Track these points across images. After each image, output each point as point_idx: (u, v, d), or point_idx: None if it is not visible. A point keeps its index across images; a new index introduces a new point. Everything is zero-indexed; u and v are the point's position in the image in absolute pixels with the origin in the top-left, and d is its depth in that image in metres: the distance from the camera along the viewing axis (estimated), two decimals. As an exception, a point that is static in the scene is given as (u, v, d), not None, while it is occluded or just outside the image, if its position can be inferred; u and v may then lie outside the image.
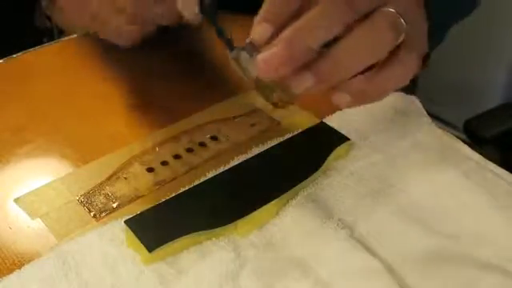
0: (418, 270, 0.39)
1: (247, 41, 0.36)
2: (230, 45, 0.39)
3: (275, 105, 0.39)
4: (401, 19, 0.35)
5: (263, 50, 0.34)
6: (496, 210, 0.43)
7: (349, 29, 0.34)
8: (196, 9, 0.41)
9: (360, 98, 0.37)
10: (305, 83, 0.35)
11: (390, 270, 0.39)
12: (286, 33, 0.33)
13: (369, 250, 0.40)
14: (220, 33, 0.40)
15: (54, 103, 0.54)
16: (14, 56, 0.59)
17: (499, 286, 0.38)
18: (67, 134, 0.50)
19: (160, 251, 0.38)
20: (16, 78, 0.57)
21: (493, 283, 0.38)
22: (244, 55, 0.37)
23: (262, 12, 0.35)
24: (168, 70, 0.57)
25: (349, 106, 0.38)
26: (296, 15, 0.35)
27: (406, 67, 0.37)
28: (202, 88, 0.56)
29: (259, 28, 0.34)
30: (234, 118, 0.51)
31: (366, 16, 0.35)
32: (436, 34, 0.42)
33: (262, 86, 0.38)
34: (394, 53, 0.36)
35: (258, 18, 0.35)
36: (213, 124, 0.51)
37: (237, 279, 0.38)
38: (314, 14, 0.34)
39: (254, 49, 0.36)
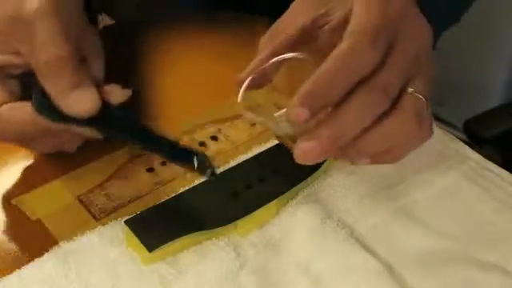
0: (417, 269, 0.39)
1: (280, 114, 0.37)
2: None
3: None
4: (424, 102, 0.36)
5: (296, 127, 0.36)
6: (496, 210, 0.43)
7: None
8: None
9: (379, 162, 0.39)
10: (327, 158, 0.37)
11: (390, 269, 0.39)
12: (324, 130, 0.34)
13: (369, 249, 0.40)
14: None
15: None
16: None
17: (499, 285, 0.38)
18: (67, 134, 0.50)
19: (160, 251, 0.38)
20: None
21: (493, 283, 0.38)
22: (264, 118, 0.38)
23: (302, 95, 0.34)
24: (167, 71, 0.57)
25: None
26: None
27: (424, 136, 0.38)
28: (202, 88, 0.56)
29: (297, 113, 0.34)
30: (234, 118, 0.51)
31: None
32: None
33: (284, 138, 0.39)
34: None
35: (297, 100, 0.34)
36: (213, 124, 0.51)
37: (237, 279, 0.38)
38: (350, 110, 0.34)
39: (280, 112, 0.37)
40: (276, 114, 0.37)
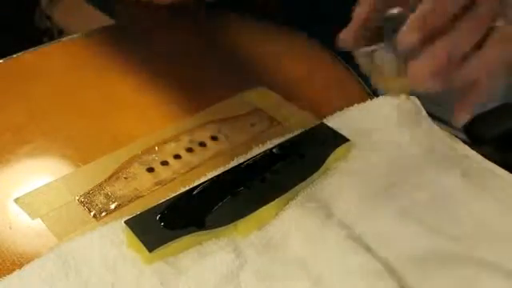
0: (418, 270, 0.39)
1: (386, 41, 0.40)
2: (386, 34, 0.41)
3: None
4: None
5: (408, 56, 0.38)
6: (496, 210, 0.43)
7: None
8: None
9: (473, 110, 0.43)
10: (432, 89, 0.39)
11: (390, 270, 0.39)
12: (440, 48, 0.37)
13: (369, 250, 0.40)
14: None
15: (54, 103, 0.54)
16: (14, 56, 0.59)
17: (499, 285, 0.38)
18: (67, 134, 0.50)
19: (160, 251, 0.38)
20: (16, 78, 0.57)
21: (493, 283, 0.38)
22: (379, 53, 0.40)
23: (416, 21, 0.38)
24: (167, 70, 0.58)
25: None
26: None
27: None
28: (203, 88, 0.56)
29: (411, 36, 0.37)
30: (234, 117, 0.51)
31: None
32: None
33: (386, 82, 0.41)
34: None
35: (411, 25, 0.38)
36: (213, 124, 0.51)
37: (237, 279, 0.38)
38: (460, 31, 0.38)
39: (393, 50, 0.39)
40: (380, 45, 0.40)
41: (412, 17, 0.38)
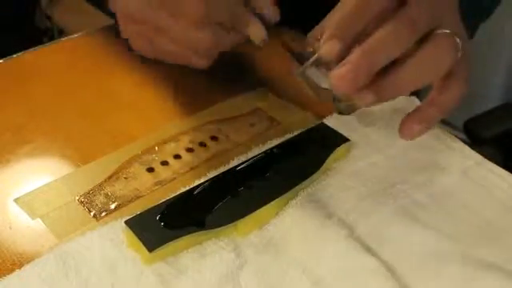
0: (418, 270, 0.39)
1: (315, 56, 0.38)
2: (300, 59, 0.40)
3: (340, 113, 0.41)
4: (457, 39, 0.38)
5: (332, 66, 0.37)
6: (495, 210, 0.43)
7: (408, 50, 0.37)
8: (264, 35, 0.45)
9: (429, 123, 0.41)
10: (366, 100, 0.37)
11: (390, 270, 0.39)
12: (356, 54, 0.36)
13: (369, 250, 0.40)
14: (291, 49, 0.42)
15: (54, 103, 0.54)
16: (14, 56, 0.59)
17: (499, 286, 0.38)
18: (67, 134, 0.50)
19: (160, 251, 0.38)
20: (16, 78, 0.57)
21: (493, 283, 0.38)
22: (311, 69, 0.39)
23: (330, 30, 0.36)
24: (168, 71, 0.57)
25: (419, 135, 0.41)
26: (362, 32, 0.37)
27: (463, 84, 0.40)
28: (202, 88, 0.56)
29: (328, 45, 0.36)
30: (234, 118, 0.51)
31: (425, 37, 0.37)
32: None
33: (327, 98, 0.40)
34: (452, 71, 0.39)
35: (326, 35, 0.36)
36: (213, 124, 0.51)
37: (237, 279, 0.38)
38: (380, 36, 0.36)
39: (321, 63, 0.38)
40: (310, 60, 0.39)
41: (329, 24, 0.37)
